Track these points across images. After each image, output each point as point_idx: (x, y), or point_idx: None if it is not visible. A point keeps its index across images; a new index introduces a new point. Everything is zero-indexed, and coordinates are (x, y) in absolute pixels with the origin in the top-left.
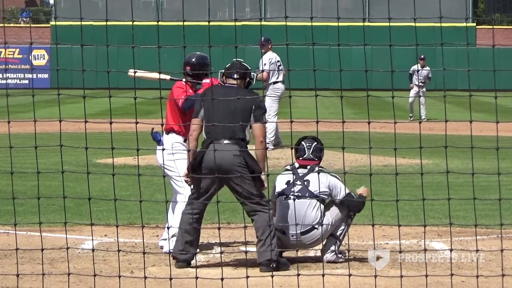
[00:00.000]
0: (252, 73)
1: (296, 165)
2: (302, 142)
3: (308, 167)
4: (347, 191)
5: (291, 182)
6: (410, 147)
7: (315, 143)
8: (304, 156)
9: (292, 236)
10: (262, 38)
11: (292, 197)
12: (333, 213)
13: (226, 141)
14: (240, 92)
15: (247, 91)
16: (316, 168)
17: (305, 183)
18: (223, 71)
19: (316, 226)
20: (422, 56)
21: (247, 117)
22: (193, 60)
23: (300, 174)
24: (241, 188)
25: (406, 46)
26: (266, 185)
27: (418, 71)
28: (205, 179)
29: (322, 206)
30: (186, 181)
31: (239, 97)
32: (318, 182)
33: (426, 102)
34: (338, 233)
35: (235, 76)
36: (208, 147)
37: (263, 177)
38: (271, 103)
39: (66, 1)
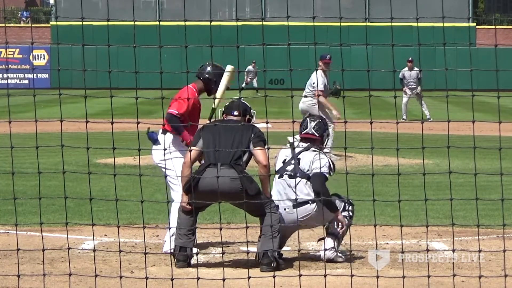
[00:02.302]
0: (252, 111)
1: (298, 138)
2: (307, 118)
3: (308, 144)
4: (326, 171)
5: (286, 161)
6: (411, 147)
7: (319, 121)
8: (306, 130)
9: (285, 209)
10: (328, 55)
11: (285, 175)
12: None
13: (222, 166)
14: (239, 125)
15: (247, 124)
16: (313, 148)
17: (298, 161)
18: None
19: (310, 201)
20: (410, 59)
21: (245, 146)
22: (208, 69)
23: (296, 152)
24: (244, 207)
25: (406, 46)
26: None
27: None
28: (204, 199)
29: None
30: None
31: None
32: (310, 160)
33: (425, 102)
34: (337, 232)
35: (235, 113)
36: (203, 172)
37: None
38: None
39: (66, 1)
